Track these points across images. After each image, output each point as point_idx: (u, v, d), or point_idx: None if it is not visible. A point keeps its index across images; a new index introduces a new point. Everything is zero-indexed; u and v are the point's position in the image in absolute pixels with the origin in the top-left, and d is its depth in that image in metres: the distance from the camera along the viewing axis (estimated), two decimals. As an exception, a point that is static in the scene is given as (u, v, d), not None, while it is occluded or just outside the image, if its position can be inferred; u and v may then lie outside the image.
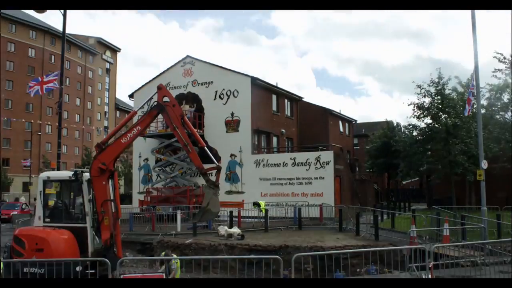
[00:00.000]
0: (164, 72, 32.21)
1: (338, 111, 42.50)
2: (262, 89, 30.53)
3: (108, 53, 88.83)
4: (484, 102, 26.95)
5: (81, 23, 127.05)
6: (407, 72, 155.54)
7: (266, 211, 21.17)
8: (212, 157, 11.06)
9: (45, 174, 12.13)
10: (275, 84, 32.87)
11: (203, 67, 30.50)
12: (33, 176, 53.11)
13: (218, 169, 10.85)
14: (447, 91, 29.35)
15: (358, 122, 49.50)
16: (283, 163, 27.08)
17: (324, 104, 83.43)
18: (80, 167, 37.28)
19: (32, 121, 61.59)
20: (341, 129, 42.48)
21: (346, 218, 20.81)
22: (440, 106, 28.87)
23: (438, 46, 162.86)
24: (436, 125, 29.62)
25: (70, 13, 25.06)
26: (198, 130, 28.68)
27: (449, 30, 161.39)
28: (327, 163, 25.89)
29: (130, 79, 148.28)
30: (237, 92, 28.89)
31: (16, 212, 31.29)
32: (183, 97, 30.48)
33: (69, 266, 9.37)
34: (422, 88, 29.16)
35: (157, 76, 32.22)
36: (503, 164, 26.02)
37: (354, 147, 47.34)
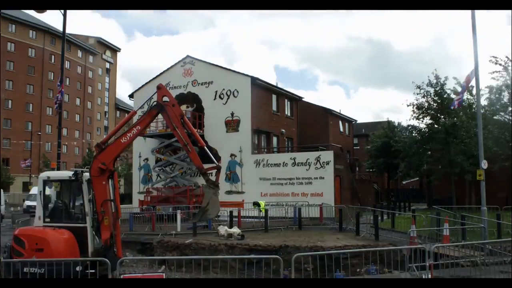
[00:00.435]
0: (164, 72, 32.21)
1: (338, 111, 42.54)
2: (262, 89, 30.55)
3: (108, 53, 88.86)
4: (484, 102, 26.93)
5: (81, 23, 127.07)
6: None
7: (266, 211, 21.15)
8: (212, 156, 11.07)
9: (45, 174, 12.13)
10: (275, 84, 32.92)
11: (203, 67, 30.51)
12: (33, 176, 53.13)
13: (218, 168, 10.85)
14: (447, 91, 29.37)
15: (358, 122, 49.55)
16: (283, 163, 27.08)
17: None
18: (80, 166, 37.27)
19: (32, 121, 61.65)
20: (341, 129, 42.52)
21: (346, 218, 20.80)
22: (440, 107, 28.90)
23: (437, 45, 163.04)
24: (436, 126, 29.65)
25: (70, 13, 25.03)
26: (198, 130, 28.71)
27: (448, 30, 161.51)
28: (327, 163, 25.90)
29: (130, 79, 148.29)
30: (237, 92, 28.89)
31: None
32: (183, 97, 30.49)
33: (69, 266, 9.37)
34: (422, 89, 29.22)
35: (157, 76, 32.24)
36: (503, 164, 26.01)
37: (354, 147, 47.37)
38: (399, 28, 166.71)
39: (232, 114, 28.91)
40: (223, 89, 29.35)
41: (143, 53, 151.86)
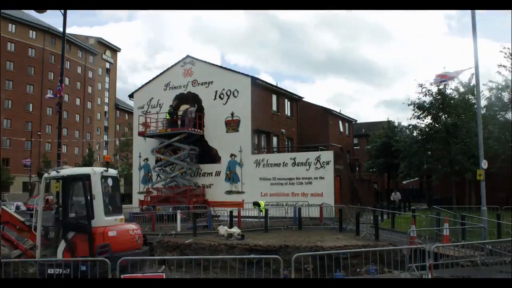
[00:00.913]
0: (164, 72, 32.21)
1: (338, 111, 42.53)
2: (262, 89, 30.54)
3: (108, 53, 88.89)
4: (484, 102, 26.92)
5: (81, 23, 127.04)
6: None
7: (266, 211, 21.14)
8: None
9: (99, 169, 12.27)
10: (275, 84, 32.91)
11: (203, 67, 30.50)
12: (33, 176, 53.13)
13: None
14: (448, 91, 29.37)
15: (358, 122, 49.55)
16: (283, 163, 27.07)
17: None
18: (80, 166, 37.23)
19: (32, 121, 61.61)
20: (341, 129, 42.50)
21: (346, 218, 20.79)
22: (441, 106, 28.86)
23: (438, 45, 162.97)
24: (436, 125, 29.61)
25: (70, 13, 25.03)
26: (198, 130, 28.76)
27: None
28: (327, 163, 25.88)
29: (130, 79, 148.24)
30: (237, 92, 28.88)
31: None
32: (183, 97, 30.50)
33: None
34: (424, 87, 29.15)
35: (157, 76, 32.27)
36: (503, 164, 26.00)
37: (354, 147, 47.35)
38: (400, 28, 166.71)
39: (232, 114, 28.90)
40: (223, 89, 29.33)
41: (143, 53, 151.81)
